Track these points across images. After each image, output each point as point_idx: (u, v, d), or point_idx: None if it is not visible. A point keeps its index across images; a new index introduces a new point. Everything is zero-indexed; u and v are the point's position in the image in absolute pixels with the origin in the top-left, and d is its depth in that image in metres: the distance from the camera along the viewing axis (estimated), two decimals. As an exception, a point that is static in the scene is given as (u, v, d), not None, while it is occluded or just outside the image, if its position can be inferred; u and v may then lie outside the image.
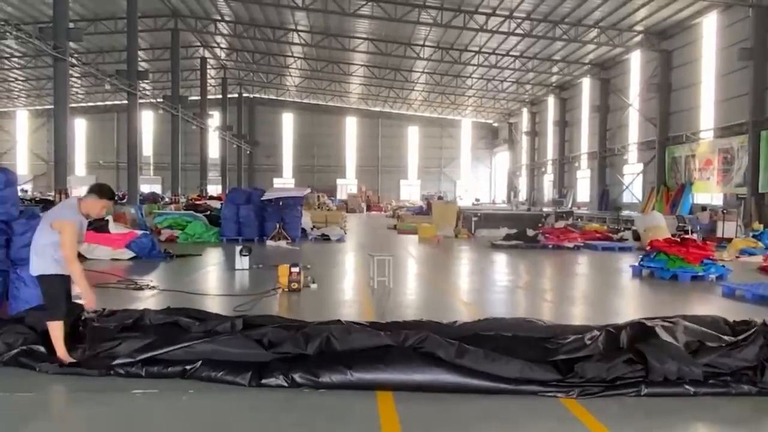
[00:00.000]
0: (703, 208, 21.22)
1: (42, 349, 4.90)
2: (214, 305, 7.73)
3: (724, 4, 23.39)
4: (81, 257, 12.01)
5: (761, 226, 19.19)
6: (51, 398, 4.33)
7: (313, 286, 9.06)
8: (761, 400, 4.33)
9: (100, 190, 5.05)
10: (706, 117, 25.66)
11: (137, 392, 4.39)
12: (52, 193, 24.19)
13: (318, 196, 34.72)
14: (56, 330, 4.82)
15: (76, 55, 29.90)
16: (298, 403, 4.22)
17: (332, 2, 27.13)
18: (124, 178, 39.74)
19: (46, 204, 23.13)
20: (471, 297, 9.06)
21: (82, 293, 4.92)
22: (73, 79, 40.78)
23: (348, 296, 8.92)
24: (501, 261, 14.00)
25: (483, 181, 58.68)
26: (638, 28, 28.12)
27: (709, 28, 25.36)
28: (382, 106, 54.19)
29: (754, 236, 16.82)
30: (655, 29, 27.83)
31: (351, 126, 56.95)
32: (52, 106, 22.08)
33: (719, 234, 17.92)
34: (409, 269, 12.37)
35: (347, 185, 55.79)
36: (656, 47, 28.35)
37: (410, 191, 56.73)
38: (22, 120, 55.79)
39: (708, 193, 25.50)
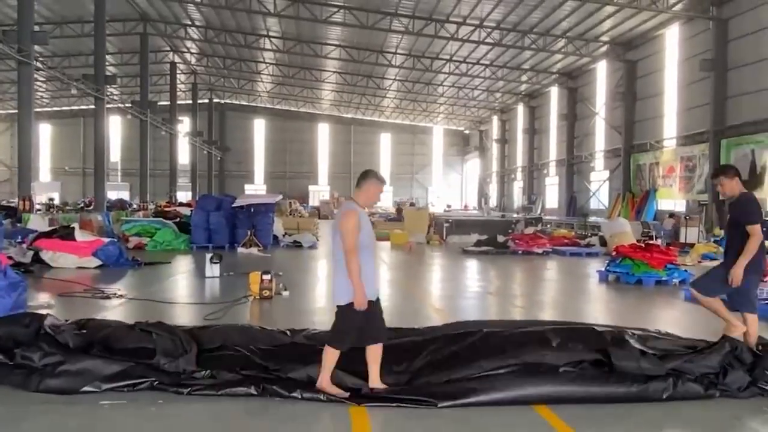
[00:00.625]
0: (671, 214, 21.78)
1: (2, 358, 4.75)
2: (183, 314, 7.65)
3: (686, 16, 24.15)
4: (45, 265, 11.82)
5: (722, 231, 19.78)
6: (15, 411, 4.24)
7: (285, 293, 9.03)
8: (723, 402, 4.48)
9: (375, 174, 4.58)
10: (669, 126, 26.40)
11: (105, 403, 4.33)
12: (16, 200, 23.59)
13: (290, 203, 34.57)
14: (330, 358, 4.37)
15: (41, 59, 29.23)
16: (269, 412, 4.22)
17: (304, 9, 27.14)
18: (90, 185, 38.99)
19: (9, 211, 22.55)
20: (443, 303, 9.14)
21: (354, 290, 4.22)
22: (38, 83, 39.88)
23: (320, 303, 8.91)
24: (472, 267, 14.15)
25: (454, 187, 59.18)
26: (604, 38, 28.82)
27: (672, 39, 26.14)
28: (355, 113, 54.29)
29: (715, 241, 17.34)
30: (620, 40, 28.56)
31: (323, 132, 56.89)
32: (16, 111, 21.56)
33: (682, 239, 18.43)
34: (381, 275, 12.41)
35: (320, 192, 55.65)
36: (621, 57, 29.08)
37: (383, 197, 56.65)
38: (-16, 124, 54.25)
39: (671, 199, 26.21)
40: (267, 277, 8.68)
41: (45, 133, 53.61)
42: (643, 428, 4.13)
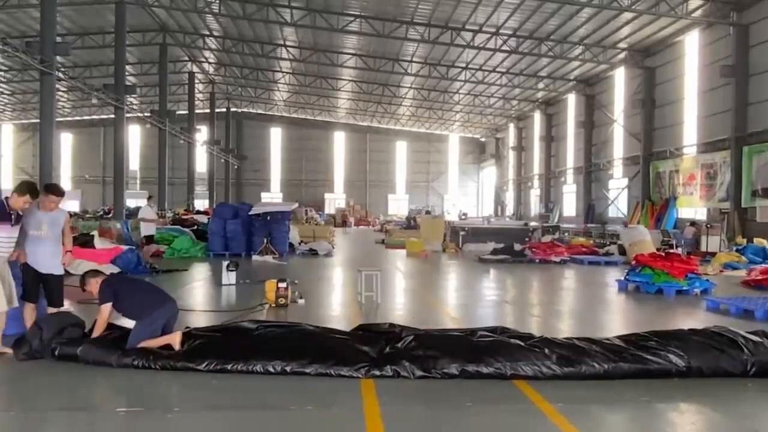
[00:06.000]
0: (692, 223, 21.42)
1: None
2: (200, 321, 7.65)
3: (706, 22, 23.87)
4: (65, 272, 11.93)
5: (744, 240, 19.43)
6: (31, 416, 4.26)
7: (301, 301, 9.01)
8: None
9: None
10: (689, 133, 26.05)
11: (120, 410, 4.34)
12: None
13: (306, 211, 34.67)
14: None
15: (63, 69, 29.71)
16: (284, 420, 4.19)
17: (321, 18, 27.32)
18: (110, 193, 39.49)
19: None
20: (459, 312, 9.06)
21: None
22: (60, 93, 40.56)
23: (336, 311, 8.88)
24: (488, 275, 14.03)
25: (470, 195, 58.94)
26: (622, 45, 28.59)
27: (692, 45, 25.85)
28: (370, 121, 54.42)
29: (737, 250, 17.03)
30: (639, 46, 28.31)
31: (339, 140, 57.08)
32: (38, 120, 21.91)
33: (703, 248, 18.11)
34: (397, 284, 12.35)
35: (335, 200, 55.76)
36: (640, 64, 28.81)
37: (398, 205, 56.81)
38: (8, 134, 55.31)
39: (692, 207, 25.81)
40: (283, 285, 8.67)
41: (66, 142, 54.51)
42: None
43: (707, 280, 11.08)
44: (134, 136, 50.66)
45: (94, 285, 5.70)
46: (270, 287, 8.70)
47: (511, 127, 49.39)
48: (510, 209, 49.41)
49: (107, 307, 5.56)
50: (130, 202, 40.82)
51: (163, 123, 33.48)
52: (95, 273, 5.95)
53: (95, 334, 5.47)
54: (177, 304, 5.97)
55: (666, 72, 27.55)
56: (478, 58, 32.56)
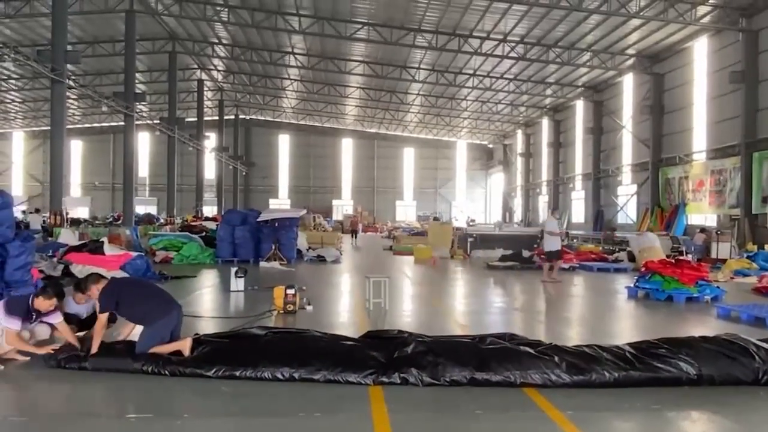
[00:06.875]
0: (702, 229, 21.26)
1: None
2: (209, 328, 7.67)
3: (715, 28, 23.78)
4: (75, 279, 12.00)
5: (755, 246, 19.27)
6: (43, 423, 4.29)
7: (309, 308, 9.02)
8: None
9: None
10: (699, 139, 25.92)
11: (131, 417, 4.36)
12: (47, 214, 24.16)
13: (314, 217, 34.71)
14: None
15: (73, 77, 30.04)
16: (293, 427, 4.19)
17: (329, 26, 27.46)
18: (119, 199, 39.79)
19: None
20: (467, 319, 9.04)
21: None
22: (70, 100, 40.98)
23: (344, 318, 8.88)
24: (497, 282, 13.99)
25: (478, 201, 58.86)
26: (630, 51, 28.53)
27: (700, 51, 25.76)
28: (378, 128, 54.55)
29: (748, 257, 16.88)
30: (647, 53, 28.24)
31: (347, 147, 57.24)
32: (49, 128, 22.15)
33: (713, 255, 17.97)
34: (405, 290, 12.34)
35: (343, 206, 55.86)
36: (648, 70, 28.73)
37: (406, 212, 56.83)
38: (18, 141, 55.89)
39: (701, 214, 25.63)
40: (291, 291, 8.68)
41: (76, 149, 55.01)
42: None
43: (718, 287, 10.99)
44: (143, 143, 51.05)
45: (95, 291, 5.70)
46: (278, 294, 8.71)
47: (519, 133, 49.33)
48: (518, 215, 49.26)
49: (106, 315, 5.58)
50: (139, 209, 41.16)
51: (172, 130, 33.71)
52: (98, 278, 5.89)
53: (94, 342, 5.49)
54: (182, 310, 5.99)
55: (675, 78, 27.45)
56: (485, 64, 32.59)
